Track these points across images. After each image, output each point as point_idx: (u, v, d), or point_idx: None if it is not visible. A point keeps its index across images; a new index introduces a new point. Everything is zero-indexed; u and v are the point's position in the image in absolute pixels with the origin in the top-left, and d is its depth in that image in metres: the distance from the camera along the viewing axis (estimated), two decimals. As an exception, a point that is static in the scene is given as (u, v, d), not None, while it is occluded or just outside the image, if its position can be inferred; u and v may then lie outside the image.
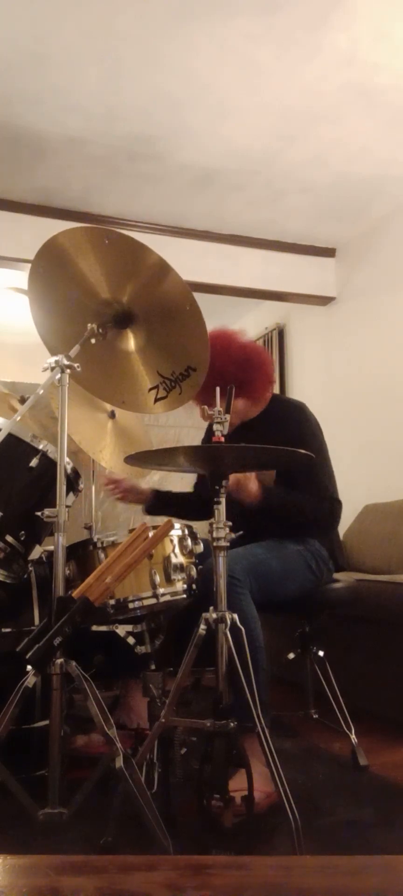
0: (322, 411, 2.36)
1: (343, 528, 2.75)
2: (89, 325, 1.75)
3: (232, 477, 1.95)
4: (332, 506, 2.21)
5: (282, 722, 2.49)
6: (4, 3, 2.37)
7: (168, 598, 1.89)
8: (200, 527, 2.17)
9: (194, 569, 1.98)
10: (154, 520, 2.65)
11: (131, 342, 1.87)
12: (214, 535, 1.59)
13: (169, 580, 1.91)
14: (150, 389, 1.87)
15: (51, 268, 1.76)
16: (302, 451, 1.60)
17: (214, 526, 1.60)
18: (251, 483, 2.03)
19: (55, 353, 1.66)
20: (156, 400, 1.87)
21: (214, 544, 1.59)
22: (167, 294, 1.71)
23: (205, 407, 1.69)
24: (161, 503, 2.49)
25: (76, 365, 1.66)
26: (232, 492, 1.97)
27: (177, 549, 1.97)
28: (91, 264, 1.72)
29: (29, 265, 1.77)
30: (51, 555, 1.80)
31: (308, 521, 2.17)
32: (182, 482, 3.43)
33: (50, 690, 1.49)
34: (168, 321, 1.77)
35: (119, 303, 1.79)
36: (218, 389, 1.89)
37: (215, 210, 3.86)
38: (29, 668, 1.49)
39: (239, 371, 2.20)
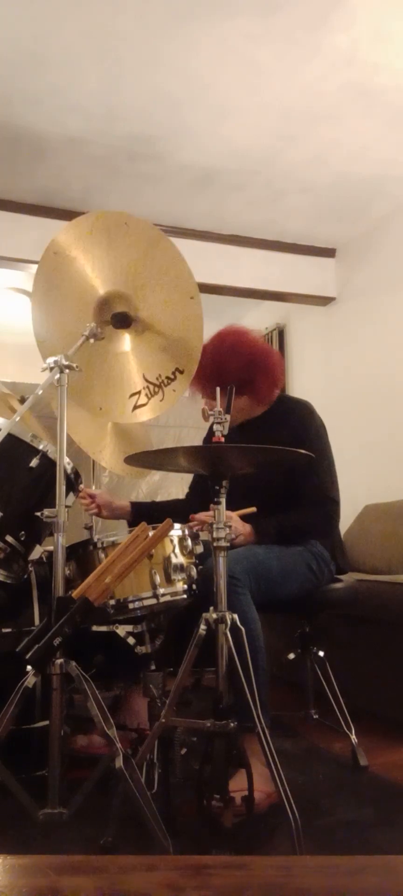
0: (322, 411, 2.36)
1: (343, 528, 2.75)
2: (89, 325, 1.75)
3: None
4: (330, 508, 2.21)
5: (282, 722, 2.49)
6: (4, 3, 2.37)
7: (168, 598, 1.89)
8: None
9: (194, 569, 1.98)
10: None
11: (125, 343, 1.86)
12: (214, 535, 1.59)
13: (169, 580, 1.91)
14: (131, 395, 1.85)
15: (59, 261, 1.75)
16: (302, 451, 1.60)
17: (214, 526, 1.60)
18: (239, 528, 2.05)
19: (51, 355, 1.66)
20: (136, 407, 1.84)
21: (214, 544, 1.59)
22: (179, 303, 1.71)
23: (206, 408, 1.69)
24: (142, 516, 2.44)
25: (75, 365, 1.66)
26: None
27: (177, 550, 1.96)
28: (99, 256, 1.71)
29: (29, 265, 1.77)
30: (51, 555, 1.80)
31: (305, 530, 2.19)
32: (182, 482, 3.43)
33: (50, 690, 1.49)
34: (168, 322, 1.76)
35: (126, 302, 1.78)
36: (218, 390, 1.88)
37: (215, 210, 3.86)
38: (29, 668, 1.49)
39: (244, 370, 2.21)
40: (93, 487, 2.73)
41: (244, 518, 2.10)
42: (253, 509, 2.13)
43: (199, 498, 2.38)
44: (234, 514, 2.08)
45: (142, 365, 1.83)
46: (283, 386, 2.46)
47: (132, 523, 2.46)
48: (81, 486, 2.33)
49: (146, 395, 1.82)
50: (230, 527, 1.62)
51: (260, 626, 1.92)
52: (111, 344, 1.86)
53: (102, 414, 1.94)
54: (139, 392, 1.83)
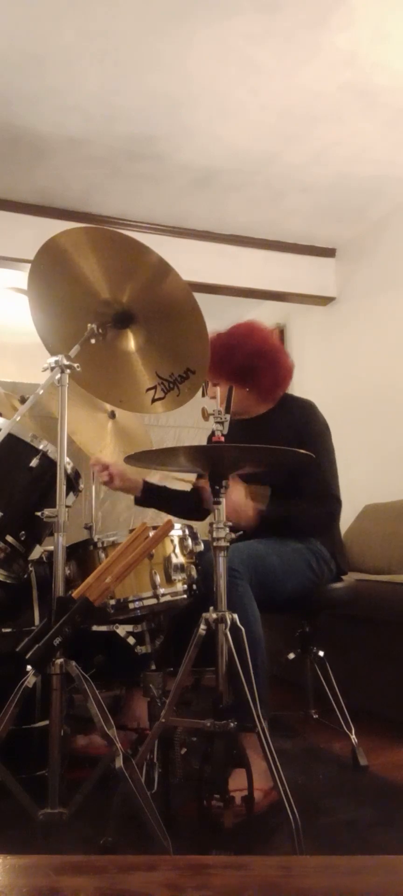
0: (322, 411, 2.36)
1: (343, 528, 2.75)
2: (89, 325, 1.75)
3: (229, 507, 1.92)
4: (332, 505, 2.22)
5: (282, 722, 2.49)
6: (4, 3, 2.37)
7: (168, 598, 1.89)
8: (201, 526, 2.17)
9: (194, 569, 1.98)
10: (154, 519, 2.65)
11: (131, 342, 1.87)
12: (214, 535, 1.59)
13: (169, 580, 1.91)
14: (148, 390, 1.87)
15: (51, 268, 1.76)
16: (302, 451, 1.60)
17: (214, 526, 1.60)
18: (248, 510, 2.05)
19: (55, 353, 1.66)
20: (154, 400, 1.87)
21: (214, 544, 1.59)
22: (168, 295, 1.71)
23: (206, 408, 1.70)
24: (151, 496, 2.45)
25: (76, 365, 1.66)
26: (230, 519, 1.97)
27: (177, 550, 1.97)
28: (91, 264, 1.72)
29: (29, 265, 1.77)
30: (51, 555, 1.81)
31: (308, 524, 2.18)
32: (182, 482, 3.42)
33: (50, 690, 1.49)
34: (168, 322, 1.76)
35: (119, 303, 1.79)
36: (218, 390, 1.88)
37: (215, 210, 3.86)
38: (29, 668, 1.49)
39: (250, 358, 2.23)
40: (94, 487, 2.73)
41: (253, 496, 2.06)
42: (267, 488, 2.11)
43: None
44: (243, 490, 2.03)
45: (153, 363, 1.85)
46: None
47: (139, 500, 2.45)
48: (94, 456, 2.34)
49: (162, 389, 1.84)
50: (230, 526, 1.61)
51: (261, 622, 1.92)
52: (119, 343, 1.87)
53: (124, 406, 1.98)
54: (155, 387, 1.85)
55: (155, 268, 1.67)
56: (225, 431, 1.61)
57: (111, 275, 1.74)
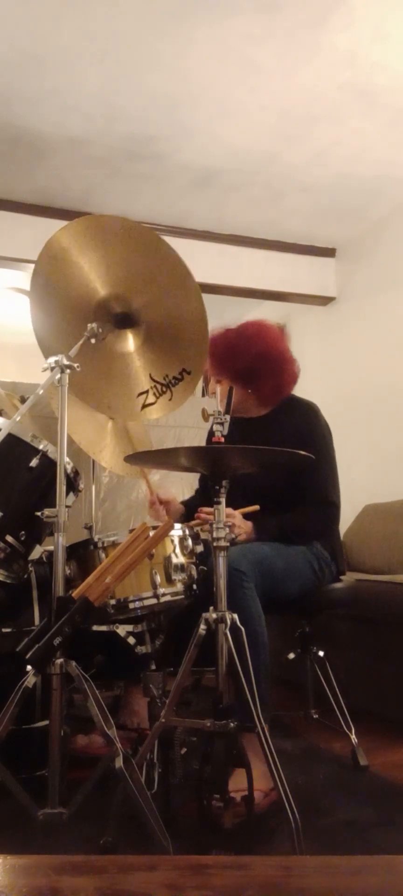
0: (322, 411, 2.36)
1: (343, 528, 2.75)
2: (89, 325, 1.75)
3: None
4: (330, 511, 2.22)
5: (282, 722, 2.49)
6: (4, 3, 2.37)
7: (168, 598, 1.89)
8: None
9: (194, 569, 1.98)
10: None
11: (128, 343, 1.86)
12: (214, 535, 1.59)
13: (169, 580, 1.91)
14: (139, 395, 1.85)
15: (55, 263, 1.74)
16: (303, 452, 1.60)
17: (214, 526, 1.60)
18: (241, 526, 2.08)
19: (52, 355, 1.66)
20: (144, 406, 1.85)
21: (214, 544, 1.59)
22: (180, 304, 1.70)
23: (206, 408, 1.69)
24: (189, 512, 2.45)
25: (76, 365, 1.66)
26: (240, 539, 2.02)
27: (177, 550, 1.96)
28: (98, 258, 1.70)
29: (29, 265, 1.77)
30: (51, 555, 1.80)
31: (307, 532, 2.19)
32: (181, 482, 3.43)
33: (50, 690, 1.49)
34: (171, 326, 1.76)
35: (125, 304, 1.78)
36: (218, 390, 1.88)
37: (215, 210, 3.86)
38: (29, 668, 1.49)
39: (254, 360, 2.23)
40: (93, 487, 2.73)
41: (246, 516, 2.11)
42: (257, 508, 2.14)
43: (206, 496, 2.39)
44: (237, 513, 2.08)
45: (148, 365, 1.84)
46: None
47: (186, 518, 2.45)
48: (156, 497, 2.36)
49: (154, 394, 1.82)
50: (231, 525, 1.62)
51: (265, 621, 1.93)
52: (115, 344, 1.86)
53: (112, 412, 1.96)
54: (146, 391, 1.83)
55: (176, 276, 1.66)
56: (226, 432, 1.61)
57: (131, 276, 1.72)
